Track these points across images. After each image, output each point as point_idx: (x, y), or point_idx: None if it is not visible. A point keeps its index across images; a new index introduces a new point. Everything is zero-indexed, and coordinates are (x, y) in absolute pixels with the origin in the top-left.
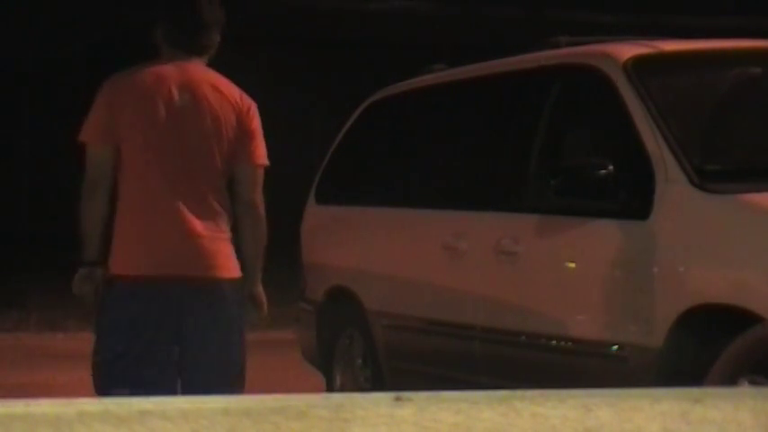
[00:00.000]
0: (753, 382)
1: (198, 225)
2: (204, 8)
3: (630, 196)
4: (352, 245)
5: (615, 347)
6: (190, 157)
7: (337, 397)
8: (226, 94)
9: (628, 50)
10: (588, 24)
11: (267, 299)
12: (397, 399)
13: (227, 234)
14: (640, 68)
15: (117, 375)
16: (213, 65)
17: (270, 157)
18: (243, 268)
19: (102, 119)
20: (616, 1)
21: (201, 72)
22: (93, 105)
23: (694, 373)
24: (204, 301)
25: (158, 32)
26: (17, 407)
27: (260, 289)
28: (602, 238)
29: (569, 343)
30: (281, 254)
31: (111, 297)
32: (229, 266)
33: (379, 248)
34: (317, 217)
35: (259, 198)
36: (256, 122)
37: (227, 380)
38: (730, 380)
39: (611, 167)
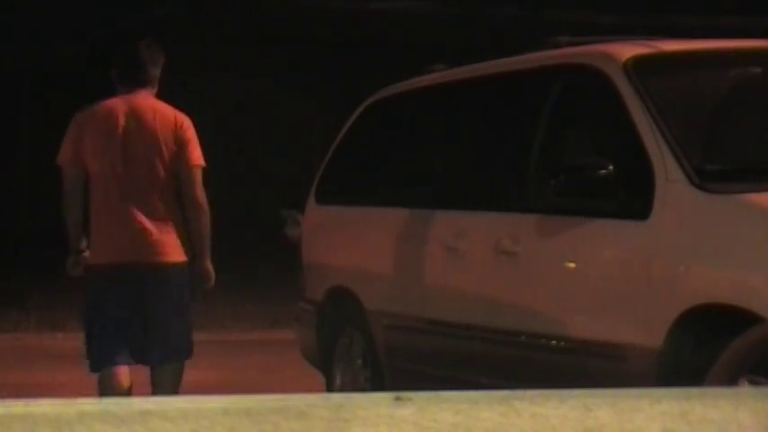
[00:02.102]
0: (753, 382)
1: (147, 222)
2: (142, 51)
3: (630, 196)
4: (352, 245)
5: (615, 347)
6: (137, 169)
7: (337, 397)
8: (163, 115)
9: (628, 50)
10: (588, 24)
11: (267, 299)
12: (397, 399)
13: (172, 228)
14: (640, 68)
15: (98, 337)
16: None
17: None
18: (193, 251)
19: (70, 148)
20: (616, 1)
21: (144, 101)
22: (65, 136)
23: (694, 373)
24: (157, 280)
25: (113, 73)
26: (17, 407)
27: (207, 265)
28: (602, 238)
29: (569, 343)
30: (280, 254)
31: (89, 280)
32: (174, 253)
33: (379, 248)
34: (317, 217)
35: (199, 192)
36: (190, 133)
37: (177, 331)
38: (730, 380)
39: (611, 167)
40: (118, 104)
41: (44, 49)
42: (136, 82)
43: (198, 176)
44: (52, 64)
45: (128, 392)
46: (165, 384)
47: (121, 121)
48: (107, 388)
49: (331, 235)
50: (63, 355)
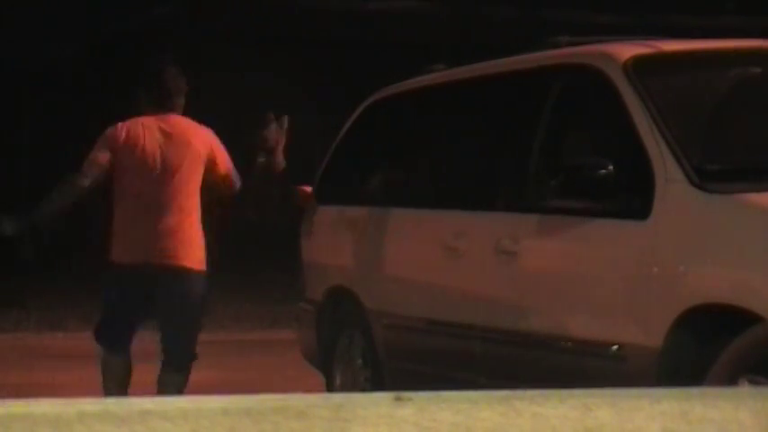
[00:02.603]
0: (753, 382)
1: (171, 228)
2: (169, 81)
3: (630, 196)
4: (352, 245)
5: (615, 347)
6: (166, 180)
7: (337, 397)
8: (193, 132)
9: (628, 50)
10: (588, 24)
11: (267, 299)
12: (397, 399)
13: (194, 237)
14: (640, 68)
15: (109, 324)
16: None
17: None
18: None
19: (97, 156)
20: (616, 1)
21: (175, 119)
22: (95, 145)
23: (694, 373)
24: (175, 282)
25: (140, 96)
26: (17, 407)
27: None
28: (601, 238)
29: (569, 343)
30: (281, 254)
31: (109, 276)
32: (190, 259)
33: (378, 248)
34: (317, 217)
35: (238, 182)
36: (215, 144)
37: (190, 331)
38: (730, 380)
39: (611, 167)
40: (152, 122)
41: (44, 49)
42: (164, 108)
43: (233, 176)
44: (52, 64)
45: (127, 370)
46: (171, 390)
47: (157, 135)
48: (107, 371)
49: (331, 235)
50: (63, 355)
